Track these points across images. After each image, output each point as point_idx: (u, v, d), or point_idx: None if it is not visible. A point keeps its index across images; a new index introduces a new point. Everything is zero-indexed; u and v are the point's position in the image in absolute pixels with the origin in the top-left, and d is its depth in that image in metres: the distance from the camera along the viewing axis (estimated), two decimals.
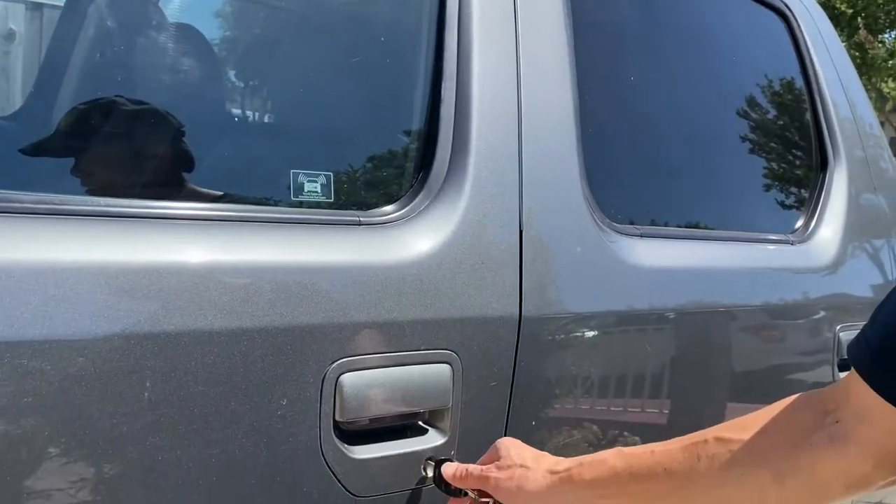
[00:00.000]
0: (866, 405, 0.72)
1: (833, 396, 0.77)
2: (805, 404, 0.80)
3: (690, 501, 0.84)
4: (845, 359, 1.47)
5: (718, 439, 0.81)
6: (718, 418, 1.38)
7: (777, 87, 1.84)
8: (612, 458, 0.89)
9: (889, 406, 0.70)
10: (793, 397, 0.81)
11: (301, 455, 0.92)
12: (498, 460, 0.95)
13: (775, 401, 0.83)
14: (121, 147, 0.95)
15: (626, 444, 1.22)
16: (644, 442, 1.24)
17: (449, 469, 0.97)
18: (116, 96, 0.97)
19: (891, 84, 15.74)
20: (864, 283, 1.74)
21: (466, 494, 0.97)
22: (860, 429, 0.73)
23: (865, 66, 14.39)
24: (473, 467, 0.96)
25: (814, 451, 0.75)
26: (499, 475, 0.93)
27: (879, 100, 15.14)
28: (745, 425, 0.81)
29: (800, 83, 1.82)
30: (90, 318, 0.78)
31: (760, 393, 1.43)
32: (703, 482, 0.82)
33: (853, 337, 0.77)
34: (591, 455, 0.91)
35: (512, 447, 0.97)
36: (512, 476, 0.93)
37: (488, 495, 0.95)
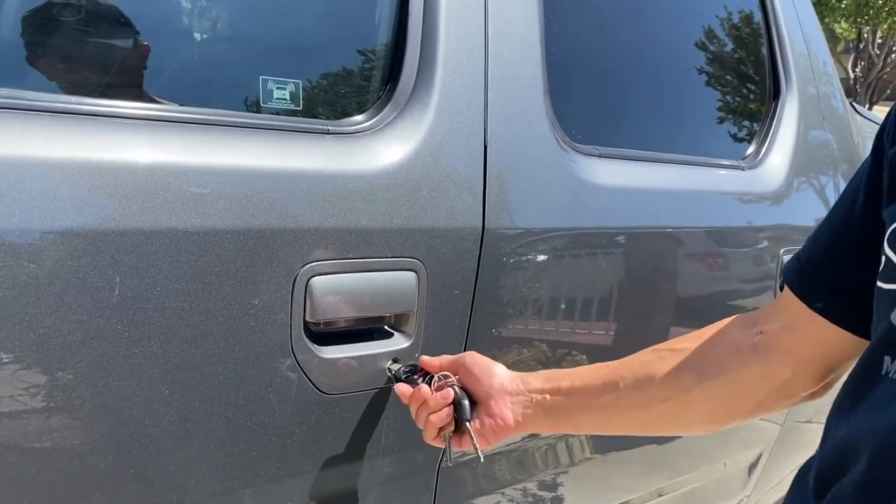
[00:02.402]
0: (793, 315, 0.80)
1: (764, 312, 0.85)
2: (739, 321, 0.88)
3: (622, 400, 0.93)
4: None
5: (659, 356, 0.90)
6: (667, 330, 1.45)
7: (736, 20, 1.87)
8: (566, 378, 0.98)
9: (814, 316, 0.77)
10: (731, 318, 0.89)
11: (273, 353, 0.95)
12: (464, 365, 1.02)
13: (724, 309, 0.90)
14: (93, 46, 0.94)
15: (578, 355, 1.29)
16: (597, 351, 1.31)
17: (426, 358, 1.05)
18: None
19: (843, 25, 15.91)
20: (808, 212, 1.81)
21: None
22: (783, 336, 0.81)
23: (820, 6, 14.50)
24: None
25: (738, 357, 0.84)
26: (473, 359, 1.01)
27: (831, 40, 15.33)
28: (685, 340, 0.90)
29: (758, 17, 1.86)
30: (65, 213, 0.78)
31: (714, 300, 1.52)
32: (637, 387, 0.90)
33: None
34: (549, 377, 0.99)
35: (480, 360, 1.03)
36: (487, 367, 1.01)
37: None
